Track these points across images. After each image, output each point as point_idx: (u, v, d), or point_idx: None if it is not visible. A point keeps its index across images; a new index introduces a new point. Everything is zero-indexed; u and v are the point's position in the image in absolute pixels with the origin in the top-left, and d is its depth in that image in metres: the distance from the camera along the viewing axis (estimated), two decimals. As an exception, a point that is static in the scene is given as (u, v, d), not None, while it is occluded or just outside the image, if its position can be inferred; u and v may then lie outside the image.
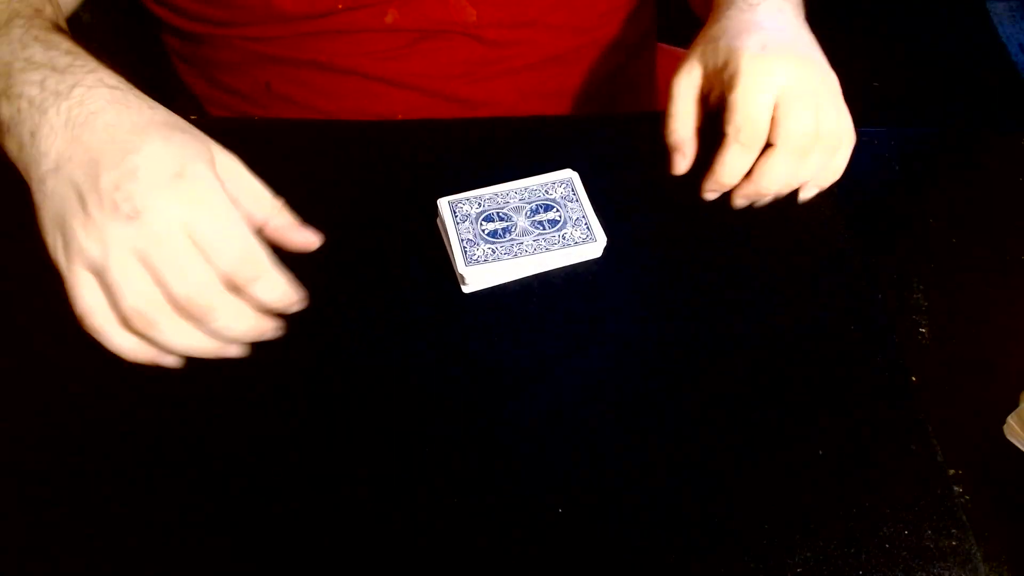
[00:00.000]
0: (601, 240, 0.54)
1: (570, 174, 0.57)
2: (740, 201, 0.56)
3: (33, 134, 0.45)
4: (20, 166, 0.45)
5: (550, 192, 0.56)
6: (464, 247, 0.53)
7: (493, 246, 0.53)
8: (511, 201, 0.56)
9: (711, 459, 0.47)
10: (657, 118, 0.58)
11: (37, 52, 0.47)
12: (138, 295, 0.43)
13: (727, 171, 0.54)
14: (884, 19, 1.63)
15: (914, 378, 0.51)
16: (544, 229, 0.54)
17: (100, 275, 0.43)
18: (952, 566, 0.43)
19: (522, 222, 0.54)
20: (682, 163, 0.57)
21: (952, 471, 0.47)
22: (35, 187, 0.45)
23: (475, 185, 0.57)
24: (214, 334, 0.45)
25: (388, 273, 0.54)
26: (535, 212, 0.55)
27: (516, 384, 0.50)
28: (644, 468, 0.46)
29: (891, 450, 0.47)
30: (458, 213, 0.55)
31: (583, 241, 0.54)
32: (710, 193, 0.57)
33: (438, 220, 0.56)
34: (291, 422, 0.48)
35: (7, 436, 0.47)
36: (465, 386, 0.50)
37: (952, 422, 0.49)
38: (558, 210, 0.55)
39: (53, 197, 0.44)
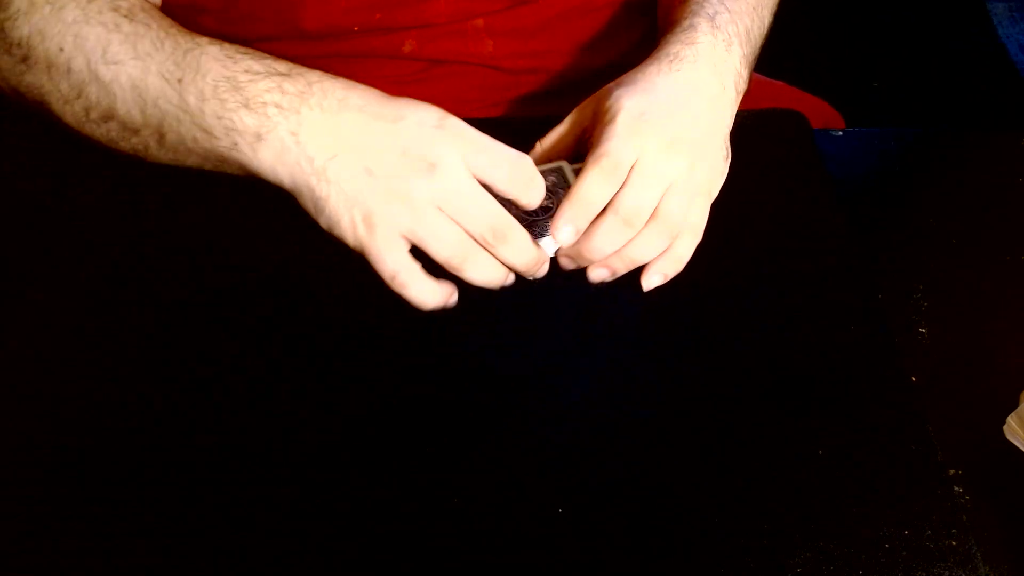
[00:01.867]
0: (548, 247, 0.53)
1: (560, 163, 0.56)
2: (564, 261, 0.54)
3: (295, 134, 0.48)
4: (282, 170, 0.48)
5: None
6: None
7: None
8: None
9: (711, 459, 0.47)
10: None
11: (252, 63, 0.50)
12: (450, 241, 0.48)
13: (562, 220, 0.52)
14: (884, 19, 1.63)
15: (914, 378, 0.51)
16: (537, 216, 0.54)
17: (409, 236, 0.48)
18: (952, 566, 0.43)
19: (512, 211, 0.54)
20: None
21: (952, 471, 0.47)
22: (313, 182, 0.48)
23: None
24: (504, 262, 0.50)
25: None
26: None
27: (516, 384, 0.50)
28: (644, 467, 0.46)
29: (891, 450, 0.47)
30: None
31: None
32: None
33: None
34: (293, 422, 0.48)
35: (7, 436, 0.47)
36: (464, 386, 0.50)
37: (952, 422, 0.49)
38: (549, 199, 0.54)
39: (339, 182, 0.47)
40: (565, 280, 0.54)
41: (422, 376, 0.50)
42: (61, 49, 0.52)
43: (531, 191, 0.50)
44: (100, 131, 0.53)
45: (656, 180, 0.51)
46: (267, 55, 0.51)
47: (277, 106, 0.48)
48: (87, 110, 0.52)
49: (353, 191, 0.47)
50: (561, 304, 0.53)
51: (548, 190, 0.54)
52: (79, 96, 0.52)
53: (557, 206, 0.53)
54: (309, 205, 0.49)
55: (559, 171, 0.56)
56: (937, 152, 0.66)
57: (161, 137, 0.51)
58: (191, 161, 0.52)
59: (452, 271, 0.49)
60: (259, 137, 0.48)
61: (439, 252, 0.48)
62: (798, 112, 0.65)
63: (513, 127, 0.64)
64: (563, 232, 0.51)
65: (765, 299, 0.54)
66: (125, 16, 0.52)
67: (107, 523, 0.44)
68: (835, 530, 0.44)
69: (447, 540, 0.44)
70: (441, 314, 0.50)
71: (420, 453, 0.47)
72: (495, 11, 0.67)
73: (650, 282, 0.54)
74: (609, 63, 0.72)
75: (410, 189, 0.47)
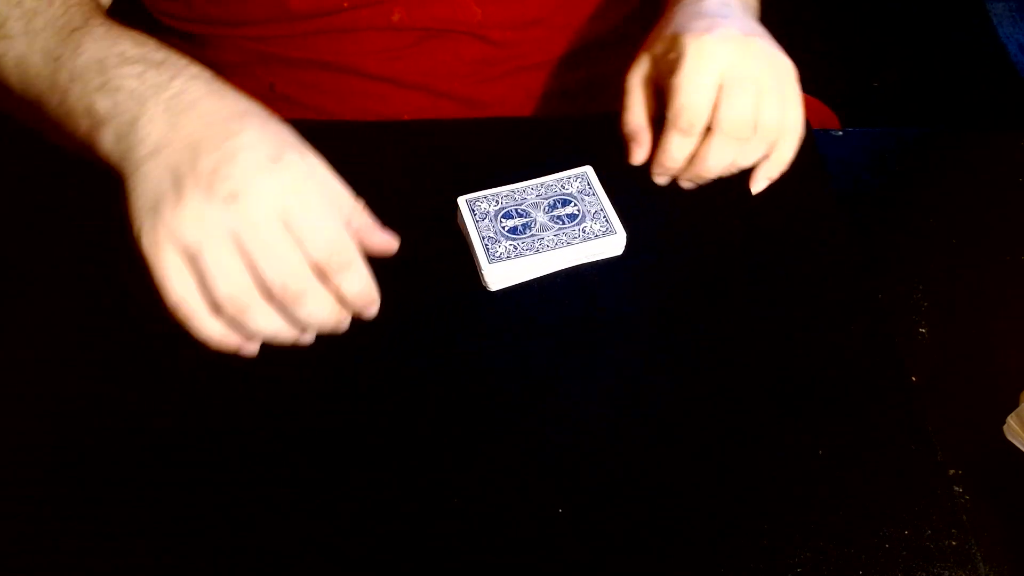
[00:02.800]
0: (621, 233, 0.54)
1: (585, 169, 0.57)
2: (685, 184, 0.57)
3: (132, 123, 0.45)
4: (114, 157, 0.45)
5: (566, 187, 0.56)
6: (486, 244, 0.53)
7: (514, 242, 0.53)
8: (528, 197, 0.56)
9: (711, 458, 0.47)
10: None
11: (128, 47, 0.48)
12: (233, 281, 0.43)
13: (668, 156, 0.55)
14: (884, 19, 1.63)
15: (914, 378, 0.51)
16: (564, 224, 0.54)
17: (192, 259, 0.43)
18: (952, 566, 0.43)
19: (541, 217, 0.55)
20: (638, 153, 0.58)
21: (952, 471, 0.47)
22: (129, 173, 0.44)
23: (489, 185, 0.57)
24: (298, 321, 0.45)
25: (405, 273, 0.54)
26: (553, 207, 0.55)
27: (516, 384, 0.50)
28: (644, 467, 0.46)
29: (891, 450, 0.47)
30: (477, 211, 0.55)
31: (603, 234, 0.54)
32: (658, 177, 0.57)
33: (457, 219, 0.56)
34: (294, 422, 0.48)
35: (7, 436, 0.47)
36: (465, 387, 0.50)
37: (952, 422, 0.49)
38: (576, 204, 0.55)
39: (148, 180, 0.44)
40: (566, 281, 0.54)
41: (422, 376, 0.50)
42: None
43: (345, 274, 0.45)
44: (1, 106, 0.52)
45: (747, 86, 0.52)
46: (153, 41, 0.48)
47: (129, 92, 0.45)
48: None
49: (155, 194, 0.43)
50: (562, 304, 0.53)
51: (572, 195, 0.55)
52: None
53: (583, 212, 0.54)
54: (124, 198, 0.45)
55: (584, 175, 0.57)
56: (937, 152, 0.66)
57: (40, 115, 0.49)
58: (70, 146, 0.49)
59: (229, 316, 0.44)
60: (104, 121, 0.46)
61: (217, 290, 0.43)
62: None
63: (515, 127, 0.65)
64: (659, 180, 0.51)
65: (765, 299, 0.54)
66: None
67: (107, 523, 0.44)
68: (835, 530, 0.44)
69: (447, 540, 0.44)
70: (453, 314, 0.50)
71: (420, 453, 0.47)
72: None
73: (759, 186, 0.55)
74: (601, 37, 0.73)
75: (205, 213, 0.43)
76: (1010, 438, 0.48)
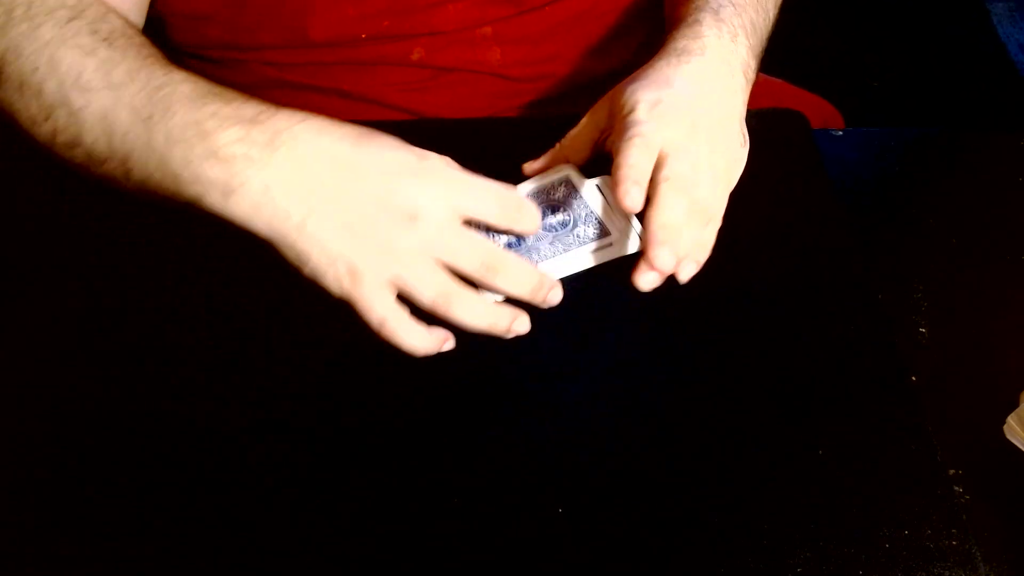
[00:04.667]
0: (615, 234, 0.53)
1: (567, 171, 0.56)
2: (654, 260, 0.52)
3: (267, 187, 0.45)
4: (260, 224, 0.46)
5: (552, 194, 0.56)
6: None
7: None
8: None
9: (711, 458, 0.47)
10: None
11: (220, 107, 0.47)
12: (434, 284, 0.46)
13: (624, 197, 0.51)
14: (884, 18, 1.63)
15: (914, 378, 0.51)
16: (557, 231, 0.54)
17: (394, 282, 0.46)
18: (952, 566, 0.43)
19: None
20: (531, 166, 0.57)
21: (952, 471, 0.47)
22: (293, 238, 0.46)
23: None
24: (506, 291, 0.48)
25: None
26: (543, 215, 0.54)
27: (517, 384, 0.50)
28: (644, 467, 0.46)
29: (891, 450, 0.47)
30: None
31: (596, 238, 0.53)
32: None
33: None
34: (294, 422, 0.48)
35: (7, 436, 0.47)
36: (465, 387, 0.50)
37: (952, 422, 0.49)
38: (566, 211, 0.55)
39: (319, 238, 0.45)
40: (566, 281, 0.54)
41: (422, 376, 0.50)
42: (36, 69, 0.50)
43: (523, 220, 0.49)
44: (68, 155, 0.51)
45: (686, 157, 0.51)
46: (238, 95, 0.49)
47: (247, 158, 0.46)
48: (55, 133, 0.50)
49: (335, 247, 0.45)
50: (562, 304, 0.53)
51: (559, 201, 0.54)
52: (47, 119, 0.50)
53: (573, 218, 0.53)
54: (291, 256, 0.46)
55: (567, 180, 0.56)
56: (937, 152, 0.66)
57: (128, 172, 0.49)
58: (159, 199, 0.49)
59: (441, 317, 0.47)
60: (230, 190, 0.46)
61: (423, 298, 0.46)
62: (798, 112, 0.65)
63: (520, 128, 0.65)
64: (631, 194, 0.49)
65: (765, 299, 0.54)
66: (104, 40, 0.50)
67: (107, 523, 0.44)
68: (835, 530, 0.44)
69: (447, 540, 0.44)
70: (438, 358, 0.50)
71: (420, 453, 0.47)
72: (503, 18, 0.67)
73: (687, 272, 0.52)
74: (613, 67, 0.73)
75: (392, 240, 0.45)
76: (1010, 438, 0.48)
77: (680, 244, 0.50)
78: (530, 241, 0.53)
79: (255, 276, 0.54)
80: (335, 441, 0.47)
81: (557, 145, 0.57)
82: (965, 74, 1.54)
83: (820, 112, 0.82)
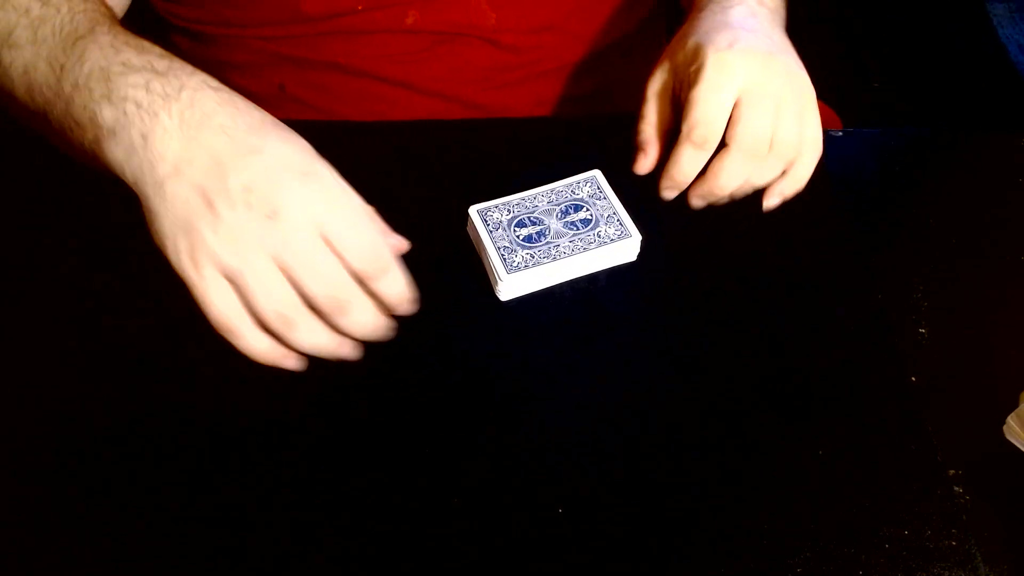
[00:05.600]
0: (636, 236, 0.54)
1: (594, 173, 0.57)
2: (696, 201, 0.56)
3: (145, 137, 0.44)
4: (128, 171, 0.45)
5: (577, 192, 0.56)
6: (503, 255, 0.53)
7: (531, 251, 0.53)
8: (540, 204, 0.55)
9: (711, 459, 0.47)
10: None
11: (132, 56, 0.47)
12: (277, 297, 0.44)
13: (679, 169, 0.54)
14: (884, 19, 1.63)
15: (914, 378, 0.51)
16: (578, 229, 0.54)
17: (233, 278, 0.43)
18: (952, 566, 0.43)
19: (555, 224, 0.54)
20: (643, 163, 0.57)
21: (952, 471, 0.47)
22: (150, 192, 0.44)
23: (499, 188, 0.56)
24: (342, 331, 0.46)
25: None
26: (566, 213, 0.55)
27: (516, 384, 0.50)
28: (644, 467, 0.46)
29: (891, 450, 0.47)
30: (490, 221, 0.55)
31: (618, 238, 0.53)
32: (667, 191, 0.56)
33: (468, 229, 0.56)
34: (294, 422, 0.48)
35: (7, 436, 0.47)
36: (465, 387, 0.50)
37: (952, 422, 0.49)
38: (588, 209, 0.55)
39: (175, 201, 0.43)
40: (569, 281, 0.54)
41: (422, 375, 0.50)
42: None
43: (385, 283, 0.46)
44: (9, 115, 0.52)
45: (766, 103, 0.51)
46: (157, 48, 0.48)
47: (136, 103, 0.44)
48: None
49: (185, 215, 0.43)
50: (562, 304, 0.53)
51: (583, 200, 0.55)
52: None
53: (596, 216, 0.54)
54: (146, 212, 0.45)
55: (593, 179, 0.56)
56: (937, 152, 0.66)
57: (47, 125, 0.49)
58: (73, 154, 0.49)
59: (275, 332, 0.45)
60: (112, 131, 0.45)
61: (262, 308, 0.44)
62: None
63: (524, 128, 0.65)
64: (667, 194, 0.51)
65: (765, 299, 0.54)
66: (41, 0, 0.51)
67: (107, 523, 0.44)
68: (835, 530, 0.44)
69: (447, 540, 0.44)
70: (462, 321, 0.50)
71: (421, 453, 0.47)
72: None
73: (771, 203, 0.53)
74: (614, 42, 0.72)
75: (244, 231, 0.43)
76: (1010, 438, 0.48)
77: (728, 195, 0.53)
78: (550, 235, 0.53)
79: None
80: (335, 441, 0.47)
81: (641, 128, 0.57)
82: (965, 74, 1.54)
83: (820, 116, 0.82)
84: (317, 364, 0.50)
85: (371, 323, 0.46)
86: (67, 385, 0.49)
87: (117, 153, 0.45)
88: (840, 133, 0.67)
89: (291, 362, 0.46)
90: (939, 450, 0.47)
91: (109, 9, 0.53)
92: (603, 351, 0.51)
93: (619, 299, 0.54)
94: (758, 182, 0.54)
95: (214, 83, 0.47)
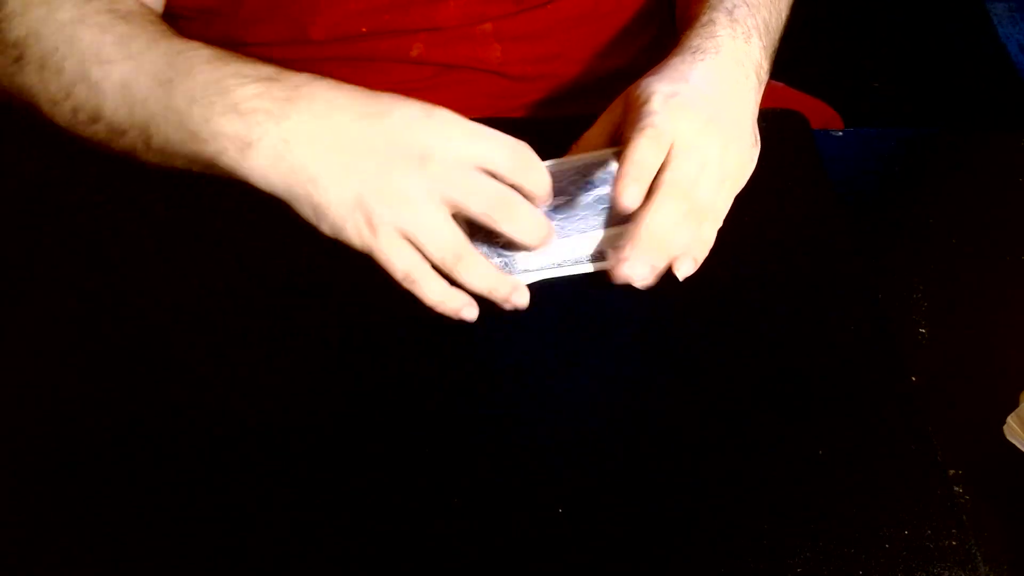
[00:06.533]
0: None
1: (615, 149, 0.55)
2: (625, 271, 0.53)
3: (286, 141, 0.47)
4: (276, 179, 0.47)
5: (598, 171, 0.55)
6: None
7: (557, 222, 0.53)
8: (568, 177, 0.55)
9: (711, 458, 0.47)
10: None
11: (241, 66, 0.49)
12: (445, 238, 0.47)
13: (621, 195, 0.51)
14: (884, 19, 1.63)
15: (914, 378, 0.51)
16: (606, 204, 0.54)
17: (407, 236, 0.47)
18: (952, 566, 0.43)
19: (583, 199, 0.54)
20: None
21: (952, 471, 0.47)
22: (309, 190, 0.47)
23: None
24: (506, 253, 0.50)
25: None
26: (590, 188, 0.55)
27: (517, 384, 0.50)
28: (644, 467, 0.46)
29: (891, 450, 0.47)
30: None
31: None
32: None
33: None
34: (294, 421, 0.48)
35: (7, 436, 0.47)
36: (464, 386, 0.50)
37: (952, 422, 0.49)
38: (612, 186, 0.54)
39: (336, 187, 0.47)
40: (567, 278, 0.54)
41: (422, 375, 0.50)
42: (56, 49, 0.51)
43: (531, 176, 0.49)
44: (89, 132, 0.52)
45: (695, 156, 0.51)
46: (256, 60, 0.50)
47: (266, 112, 0.47)
48: (75, 111, 0.52)
49: (350, 196, 0.47)
50: (562, 304, 0.53)
51: (605, 180, 0.54)
52: (68, 96, 0.51)
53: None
54: (308, 212, 0.48)
55: (617, 155, 0.55)
56: (937, 152, 0.66)
57: (148, 139, 0.50)
58: (179, 163, 0.51)
59: (447, 273, 0.48)
60: (248, 144, 0.47)
61: (434, 253, 0.48)
62: (798, 112, 0.65)
63: (525, 128, 0.65)
64: (629, 192, 0.49)
65: (765, 300, 0.54)
66: (122, 18, 0.52)
67: (107, 523, 0.44)
68: (835, 530, 0.44)
69: (447, 540, 0.44)
70: (458, 324, 0.50)
71: (420, 453, 0.47)
72: (504, 15, 0.67)
73: (684, 269, 0.53)
74: (617, 69, 0.72)
75: (404, 185, 0.47)
76: (1010, 438, 0.48)
77: (665, 249, 0.51)
78: (579, 212, 0.53)
79: (255, 277, 0.54)
80: (335, 442, 0.47)
81: (574, 146, 0.57)
82: (965, 74, 1.54)
83: (821, 116, 0.82)
84: (318, 364, 0.50)
85: (534, 225, 0.49)
86: (67, 385, 0.49)
87: (257, 164, 0.47)
88: (840, 133, 0.67)
89: (469, 311, 0.49)
90: (939, 450, 0.47)
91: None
92: (602, 350, 0.51)
93: (619, 298, 0.54)
94: (672, 242, 0.52)
95: (316, 76, 0.49)
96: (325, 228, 0.48)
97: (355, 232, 0.47)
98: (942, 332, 0.54)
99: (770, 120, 0.59)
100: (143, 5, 0.55)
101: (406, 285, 0.48)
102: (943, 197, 0.62)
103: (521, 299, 0.50)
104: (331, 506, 0.45)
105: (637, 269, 0.51)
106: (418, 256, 0.48)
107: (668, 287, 0.54)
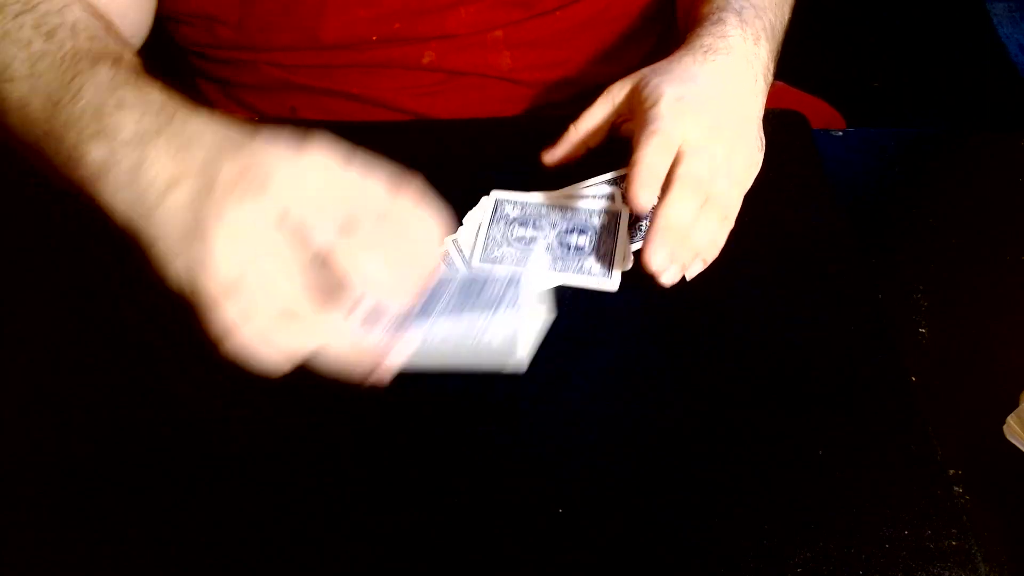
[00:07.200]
0: (615, 280, 0.54)
1: (619, 207, 0.56)
2: (656, 261, 0.52)
3: (134, 169, 0.42)
4: (120, 208, 0.42)
5: (592, 219, 0.56)
6: (487, 244, 0.54)
7: (515, 252, 0.54)
8: (546, 214, 0.56)
9: (711, 458, 0.47)
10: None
11: (128, 94, 0.45)
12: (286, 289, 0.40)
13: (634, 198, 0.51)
14: (884, 19, 1.63)
15: (914, 378, 0.51)
16: (567, 251, 0.54)
17: (239, 280, 0.39)
18: (952, 566, 0.43)
19: (549, 238, 0.55)
20: (552, 153, 0.58)
21: (952, 471, 0.47)
22: (145, 220, 0.41)
23: (516, 182, 0.57)
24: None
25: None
26: (568, 233, 0.55)
27: (516, 384, 0.50)
28: (644, 467, 0.46)
29: (891, 450, 0.47)
30: (499, 211, 0.56)
31: (600, 275, 0.54)
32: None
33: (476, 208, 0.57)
34: (293, 421, 0.48)
35: (7, 436, 0.47)
36: (464, 387, 0.50)
37: (952, 422, 0.49)
38: (592, 238, 0.55)
39: (174, 215, 0.40)
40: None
41: (424, 377, 0.50)
42: None
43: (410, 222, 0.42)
44: (8, 147, 0.51)
45: (705, 156, 0.51)
46: (158, 85, 0.46)
47: (124, 141, 0.43)
48: None
49: (183, 227, 0.40)
50: (562, 304, 0.53)
51: (595, 228, 0.55)
52: None
53: (592, 248, 0.54)
54: (144, 239, 0.42)
55: (617, 217, 0.56)
56: (937, 152, 0.66)
57: (39, 158, 0.48)
58: (72, 191, 0.46)
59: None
60: (101, 171, 0.43)
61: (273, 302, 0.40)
62: (798, 112, 0.65)
63: (525, 127, 0.65)
64: (642, 194, 0.48)
65: (765, 299, 0.54)
66: (45, 33, 0.49)
67: (107, 523, 0.44)
68: (835, 530, 0.44)
69: (447, 540, 0.44)
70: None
71: (420, 454, 0.47)
72: (514, 22, 0.67)
73: (694, 269, 0.53)
74: (624, 71, 0.73)
75: (239, 210, 0.39)
76: (1010, 438, 0.48)
77: (685, 245, 0.51)
78: (537, 245, 0.54)
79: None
80: (335, 441, 0.47)
81: (571, 127, 0.57)
82: (965, 74, 1.54)
83: (822, 115, 0.82)
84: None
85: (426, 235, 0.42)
86: (67, 385, 0.49)
87: (106, 191, 0.43)
88: (840, 133, 0.67)
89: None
90: (939, 450, 0.47)
91: (122, 44, 0.51)
92: (602, 350, 0.51)
93: (618, 298, 0.54)
94: (697, 239, 0.52)
95: (207, 111, 0.44)
96: (158, 259, 0.42)
97: (177, 275, 0.41)
98: (942, 332, 0.54)
99: (770, 120, 0.59)
100: (89, 18, 0.51)
101: (225, 342, 0.41)
102: (943, 197, 0.62)
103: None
104: (331, 506, 0.45)
105: (658, 258, 0.50)
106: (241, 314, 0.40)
107: (669, 287, 0.54)
